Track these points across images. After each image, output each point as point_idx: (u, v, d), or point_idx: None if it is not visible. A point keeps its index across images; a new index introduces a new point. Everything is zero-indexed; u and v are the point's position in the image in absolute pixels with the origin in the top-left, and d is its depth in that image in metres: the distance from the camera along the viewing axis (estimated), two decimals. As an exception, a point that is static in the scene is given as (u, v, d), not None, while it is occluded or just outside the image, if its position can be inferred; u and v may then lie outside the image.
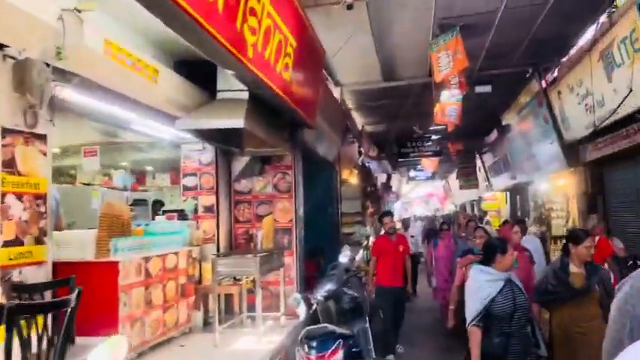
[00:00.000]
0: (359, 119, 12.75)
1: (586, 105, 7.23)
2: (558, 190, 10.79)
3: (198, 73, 5.26)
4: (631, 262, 6.62)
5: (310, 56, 5.62)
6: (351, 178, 12.05)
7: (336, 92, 9.50)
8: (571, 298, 3.90)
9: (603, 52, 6.26)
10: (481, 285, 3.56)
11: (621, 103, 6.00)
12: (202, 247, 5.95)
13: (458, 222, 11.54)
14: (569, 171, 9.16)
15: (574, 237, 4.04)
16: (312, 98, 6.01)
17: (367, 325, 5.36)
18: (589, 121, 7.25)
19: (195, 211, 6.14)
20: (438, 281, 7.70)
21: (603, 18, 6.77)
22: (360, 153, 12.52)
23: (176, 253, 5.33)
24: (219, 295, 5.82)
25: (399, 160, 16.65)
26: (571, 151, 8.67)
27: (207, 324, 5.79)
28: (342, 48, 7.58)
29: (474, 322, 3.46)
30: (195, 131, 5.01)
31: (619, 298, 1.68)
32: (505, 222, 9.81)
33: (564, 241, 8.01)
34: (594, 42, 6.52)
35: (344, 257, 6.96)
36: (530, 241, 6.62)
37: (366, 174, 14.28)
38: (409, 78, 9.47)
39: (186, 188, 6.23)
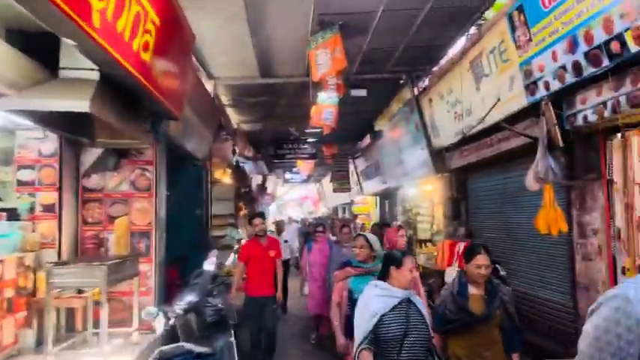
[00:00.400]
0: (234, 116, 12.18)
1: (455, 113, 7.45)
2: (425, 195, 11.19)
3: (38, 45, 4.39)
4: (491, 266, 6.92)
5: (177, 39, 5.01)
6: (224, 177, 11.44)
7: (209, 85, 8.88)
8: (472, 325, 3.45)
9: (473, 61, 6.44)
10: (370, 300, 3.09)
11: (488, 112, 6.19)
12: (39, 253, 5.03)
13: (333, 226, 11.46)
14: (436, 177, 9.46)
15: (466, 253, 3.60)
16: (178, 86, 5.38)
17: (232, 339, 4.87)
18: (457, 129, 7.47)
19: (32, 210, 5.19)
20: (311, 288, 7.35)
21: (473, 29, 7.01)
22: (234, 152, 11.96)
23: (1, 262, 4.41)
24: (58, 310, 4.98)
25: (275, 161, 16.34)
26: (439, 158, 8.93)
27: (41, 344, 4.89)
28: (215, 37, 7.02)
29: (363, 345, 2.96)
30: (27, 114, 4.15)
31: (597, 326, 1.26)
32: (374, 225, 9.93)
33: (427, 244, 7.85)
34: (465, 52, 6.70)
35: (210, 263, 6.39)
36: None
37: (240, 174, 13.74)
38: (287, 76, 9.14)
39: (20, 183, 5.25)
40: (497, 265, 6.97)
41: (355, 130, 14.08)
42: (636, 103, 3.96)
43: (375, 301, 3.05)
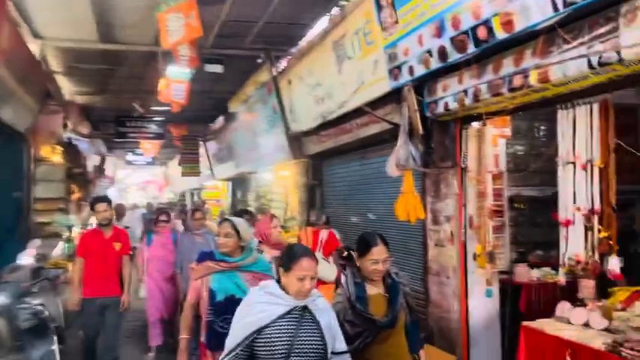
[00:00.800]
0: (67, 86, 10.67)
1: (315, 96, 7.21)
2: (280, 180, 10.94)
3: None
4: (346, 253, 6.84)
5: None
6: (53, 156, 9.96)
7: (34, 46, 7.52)
8: (377, 335, 2.77)
9: (336, 42, 6.22)
10: (251, 307, 2.42)
11: (351, 96, 6.04)
12: None
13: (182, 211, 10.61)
14: (292, 162, 9.23)
15: (358, 245, 2.94)
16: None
17: (54, 347, 4.03)
18: (317, 113, 7.25)
19: None
20: (151, 289, 6.17)
21: (337, 9, 6.81)
22: (65, 127, 10.48)
23: None
24: None
25: (116, 140, 14.84)
26: (296, 143, 8.70)
27: None
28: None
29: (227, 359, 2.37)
30: None
31: None
32: (223, 218, 9.32)
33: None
34: (327, 32, 6.45)
35: (29, 255, 5.31)
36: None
37: (73, 153, 12.16)
38: (132, 43, 8.13)
39: None
40: (352, 252, 6.96)
41: (208, 110, 13.33)
42: (497, 92, 4.01)
43: (255, 309, 2.40)
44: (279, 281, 2.49)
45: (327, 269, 5.66)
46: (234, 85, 10.64)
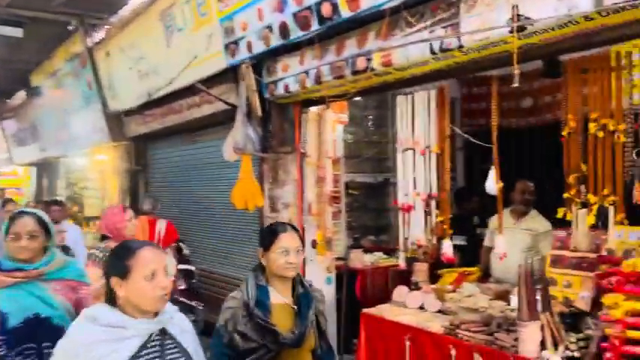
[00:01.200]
0: None
1: (139, 71, 6.43)
2: (97, 165, 9.78)
3: None
4: (174, 244, 6.32)
5: None
6: None
7: None
8: (277, 355, 2.19)
9: (164, 12, 5.57)
10: (86, 351, 1.64)
11: (181, 72, 5.47)
12: None
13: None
14: (111, 145, 8.25)
15: (262, 237, 2.39)
16: None
17: None
18: (141, 90, 6.49)
19: None
20: None
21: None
22: None
23: None
24: None
25: None
26: (116, 123, 7.76)
27: None
28: None
29: None
30: None
31: None
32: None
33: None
34: (154, 0, 5.76)
35: None
36: (71, 229, 5.33)
37: None
38: None
39: None
40: (181, 244, 6.46)
41: (5, 83, 11.34)
42: (339, 75, 3.87)
43: (90, 354, 1.64)
44: (113, 303, 1.78)
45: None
46: (39, 54, 9.12)
